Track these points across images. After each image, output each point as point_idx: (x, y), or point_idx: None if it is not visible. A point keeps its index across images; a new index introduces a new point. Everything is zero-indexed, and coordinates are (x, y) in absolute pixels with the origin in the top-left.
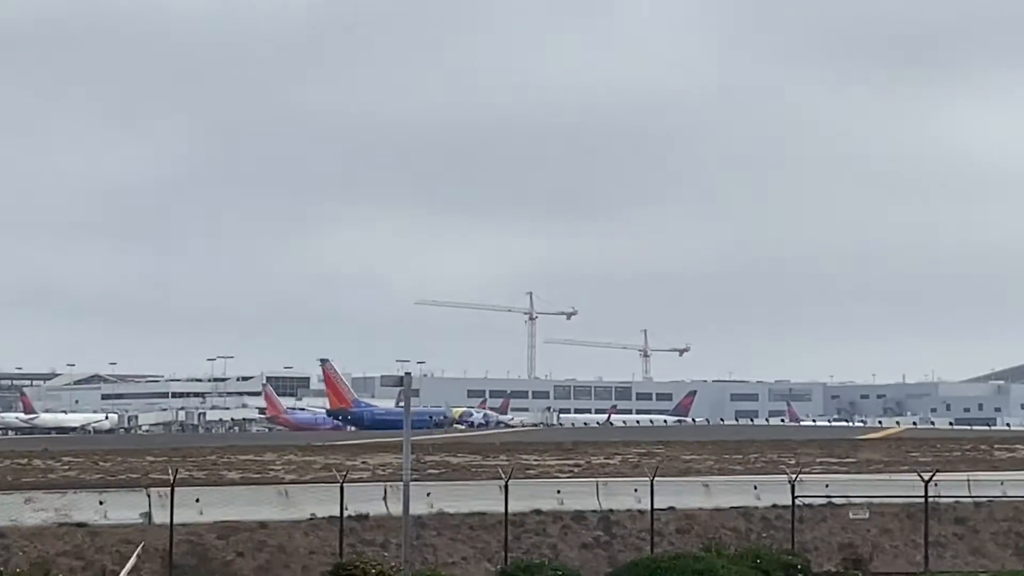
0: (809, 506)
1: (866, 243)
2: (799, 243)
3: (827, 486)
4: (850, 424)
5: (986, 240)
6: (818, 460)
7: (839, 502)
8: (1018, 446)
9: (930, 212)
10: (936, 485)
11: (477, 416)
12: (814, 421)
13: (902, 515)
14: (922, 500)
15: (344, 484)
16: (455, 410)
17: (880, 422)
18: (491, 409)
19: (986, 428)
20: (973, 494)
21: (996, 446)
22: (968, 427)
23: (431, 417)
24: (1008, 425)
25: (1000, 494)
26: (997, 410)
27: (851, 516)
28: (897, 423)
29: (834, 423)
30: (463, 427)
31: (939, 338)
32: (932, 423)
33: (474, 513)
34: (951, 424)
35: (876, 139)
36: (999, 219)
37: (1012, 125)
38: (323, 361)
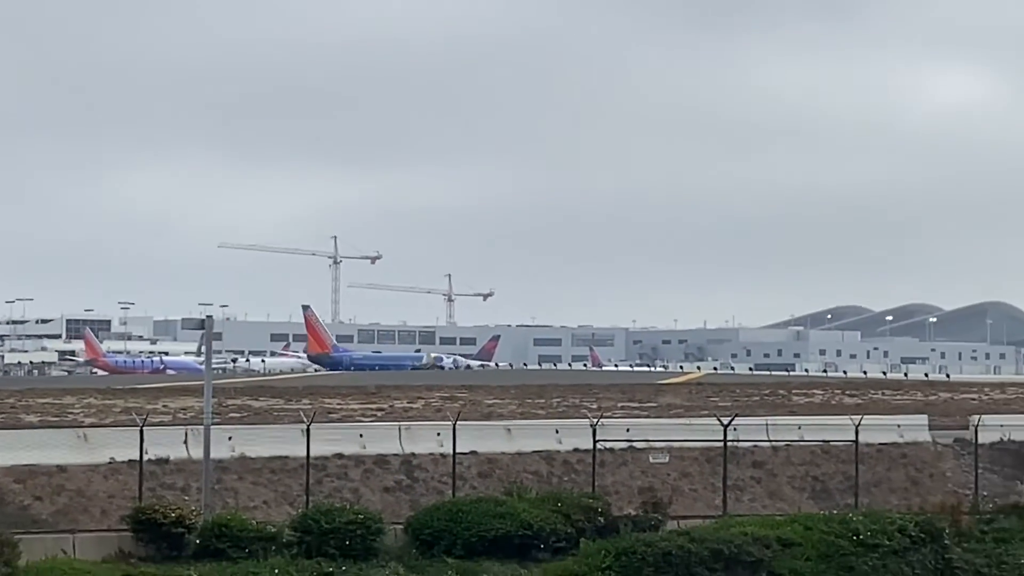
0: (610, 450)
1: (670, 189)
2: (603, 189)
3: (628, 430)
4: (652, 369)
5: (787, 188)
6: (620, 404)
7: (640, 446)
8: (815, 391)
9: (734, 160)
10: (735, 429)
11: (447, 361)
12: (616, 366)
13: (701, 459)
14: (721, 444)
15: (144, 428)
16: (428, 355)
17: (681, 367)
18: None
19: (785, 373)
20: (771, 438)
21: (794, 391)
22: (767, 372)
23: (411, 363)
24: (806, 370)
25: (797, 438)
26: (796, 356)
27: (651, 460)
28: (698, 368)
29: (636, 368)
30: (439, 368)
31: (740, 285)
32: (732, 368)
33: (276, 457)
34: (751, 369)
35: (687, 88)
36: (800, 167)
37: (815, 74)
38: (305, 307)
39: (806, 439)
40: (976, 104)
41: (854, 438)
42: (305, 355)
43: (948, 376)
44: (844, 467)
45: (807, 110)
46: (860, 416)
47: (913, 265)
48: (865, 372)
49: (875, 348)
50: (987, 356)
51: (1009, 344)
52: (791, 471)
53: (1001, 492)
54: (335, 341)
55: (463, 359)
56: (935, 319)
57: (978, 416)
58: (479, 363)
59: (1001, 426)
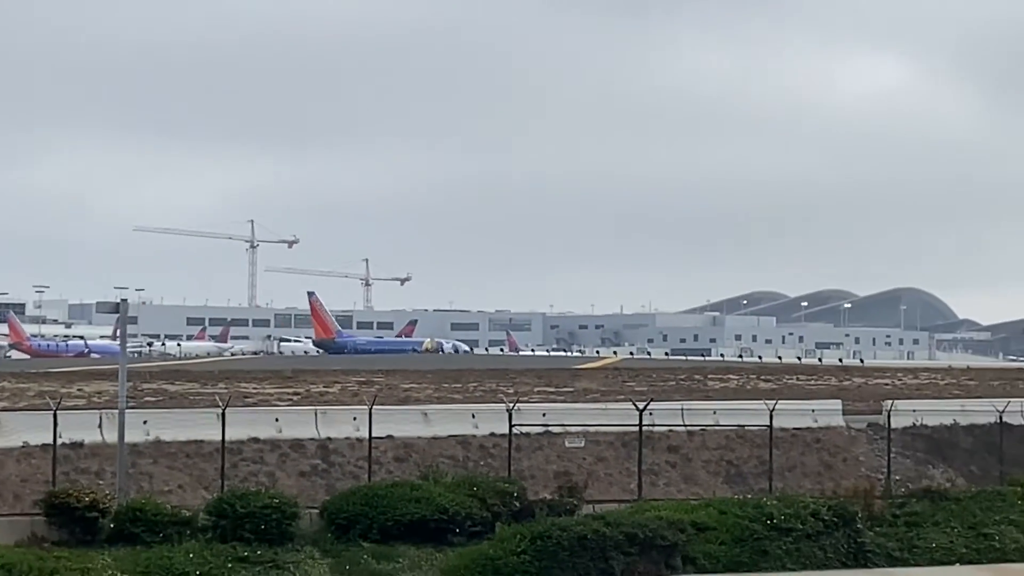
0: (526, 435)
1: (588, 175)
2: (521, 175)
3: (544, 415)
4: (569, 354)
5: (705, 175)
6: (536, 389)
7: (556, 431)
8: (731, 376)
9: (654, 146)
10: (651, 414)
11: (447, 346)
12: (533, 350)
13: (617, 444)
14: (637, 429)
15: (58, 411)
16: (426, 341)
17: (598, 352)
18: (212, 337)
19: (701, 358)
20: (686, 423)
21: (710, 376)
22: (683, 357)
23: (413, 348)
24: (722, 356)
25: (712, 423)
26: (712, 341)
27: (567, 444)
28: (614, 353)
29: (553, 352)
30: (436, 353)
31: (657, 270)
32: (649, 353)
33: (191, 441)
34: (667, 354)
35: (607, 74)
36: (719, 155)
37: (736, 63)
38: (310, 294)
39: (721, 424)
40: (892, 93)
41: (769, 423)
42: (310, 341)
43: (862, 361)
44: (759, 451)
45: (727, 99)
46: (775, 401)
47: (828, 251)
48: (780, 357)
49: (790, 333)
50: (901, 342)
51: (922, 330)
52: (706, 455)
53: (913, 476)
54: (340, 328)
55: (462, 344)
56: (850, 305)
57: (891, 401)
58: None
59: (914, 411)
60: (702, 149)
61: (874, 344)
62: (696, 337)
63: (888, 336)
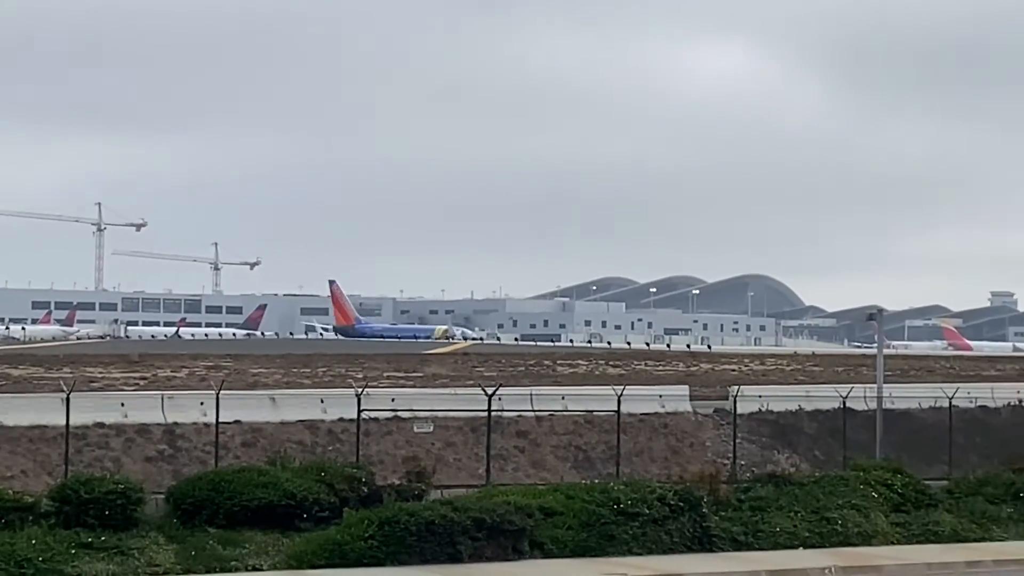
0: (375, 419)
1: (439, 160)
2: (372, 160)
3: (393, 400)
4: (418, 338)
5: (555, 161)
6: (386, 374)
7: (405, 416)
8: (580, 361)
9: (504, 133)
10: (500, 399)
11: (457, 333)
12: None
13: (466, 429)
14: (485, 414)
15: None
16: (438, 328)
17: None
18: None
19: (550, 344)
20: (535, 408)
21: (559, 361)
22: (533, 343)
23: (427, 336)
24: (571, 341)
25: (561, 408)
26: (562, 326)
27: (416, 430)
28: (464, 338)
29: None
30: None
31: (507, 255)
32: (499, 338)
33: (35, 426)
34: (517, 340)
35: (457, 61)
36: (569, 141)
37: (584, 50)
38: (331, 282)
39: (570, 409)
40: (741, 80)
41: (617, 408)
42: (331, 327)
43: (710, 347)
44: (606, 436)
45: (576, 85)
46: (623, 386)
47: (677, 237)
48: (629, 343)
49: (639, 319)
50: (748, 328)
51: (769, 316)
52: (554, 441)
53: (759, 461)
54: (358, 313)
55: (471, 332)
56: (698, 291)
57: (737, 387)
58: (245, 332)
59: (760, 396)
60: (555, 134)
61: (722, 330)
62: (546, 323)
63: (735, 322)
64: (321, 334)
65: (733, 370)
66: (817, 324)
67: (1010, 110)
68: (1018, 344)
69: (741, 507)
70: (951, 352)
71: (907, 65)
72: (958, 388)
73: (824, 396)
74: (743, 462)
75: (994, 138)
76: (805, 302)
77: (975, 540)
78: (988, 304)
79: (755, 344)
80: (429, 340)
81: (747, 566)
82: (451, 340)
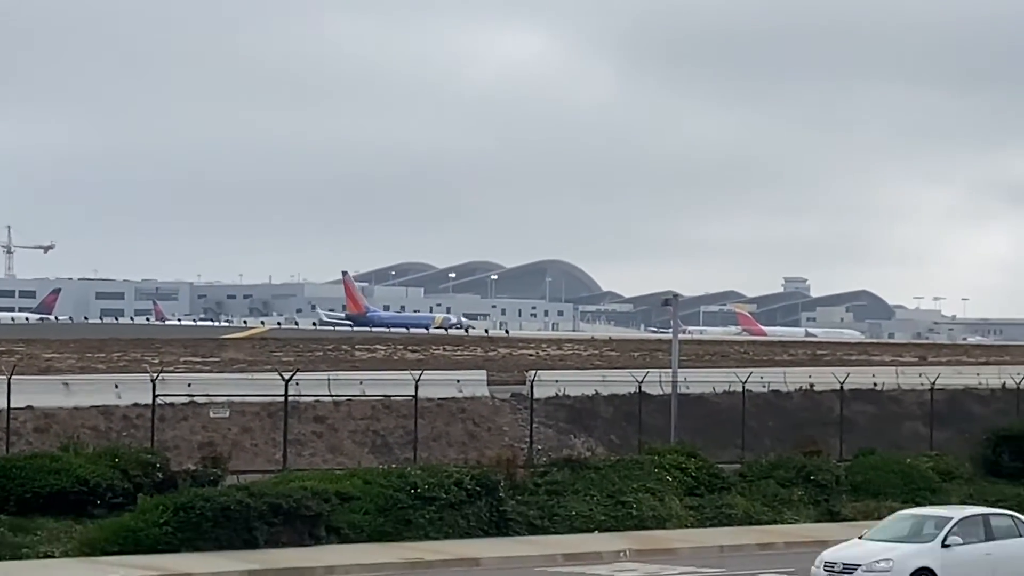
0: (171, 405)
1: (235, 144)
2: (166, 143)
3: (190, 385)
4: (216, 323)
5: (354, 144)
6: (182, 359)
7: (201, 401)
8: (378, 346)
9: (302, 116)
10: (297, 384)
11: (454, 321)
12: (180, 320)
13: (263, 414)
14: (282, 399)
15: None
16: (437, 317)
17: (245, 322)
18: None
19: (349, 329)
20: (333, 393)
21: (357, 346)
22: (332, 328)
23: (428, 324)
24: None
25: (359, 393)
26: None
27: (212, 415)
28: (262, 323)
29: (200, 322)
30: (444, 330)
31: (306, 240)
32: (297, 323)
33: None
34: (315, 324)
35: (251, 43)
36: (368, 124)
37: (381, 32)
38: (344, 273)
39: (368, 394)
40: (538, 65)
41: (414, 393)
42: (343, 314)
43: (507, 332)
44: (404, 421)
45: (374, 68)
46: (420, 371)
47: (476, 223)
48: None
49: (438, 304)
50: (546, 313)
51: (567, 302)
52: (352, 426)
53: (555, 446)
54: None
55: (465, 320)
56: (496, 276)
57: (535, 372)
58: (39, 317)
59: (557, 381)
60: (352, 118)
61: (520, 315)
62: (344, 308)
63: (534, 307)
64: (323, 319)
65: (531, 355)
66: (614, 309)
67: (804, 98)
68: (810, 329)
69: (538, 491)
70: (745, 337)
71: (704, 52)
72: (751, 373)
73: (620, 381)
74: (540, 446)
75: (788, 126)
76: (603, 288)
77: (767, 522)
78: (782, 290)
79: (553, 329)
80: (429, 328)
81: (543, 550)
82: (446, 329)
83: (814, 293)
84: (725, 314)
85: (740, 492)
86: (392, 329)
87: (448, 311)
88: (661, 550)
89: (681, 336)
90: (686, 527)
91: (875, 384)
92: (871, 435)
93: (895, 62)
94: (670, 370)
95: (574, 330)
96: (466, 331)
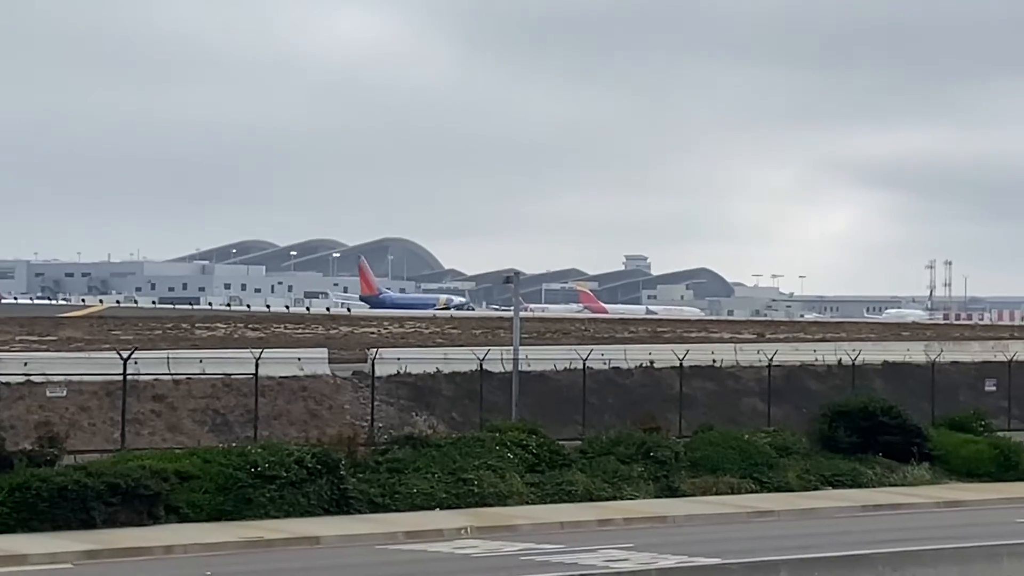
0: (7, 384)
1: (74, 119)
2: (3, 117)
3: (26, 364)
4: (54, 302)
5: (194, 122)
6: (18, 338)
7: (38, 380)
8: (219, 325)
9: (142, 92)
10: (136, 363)
11: (456, 300)
12: (16, 299)
13: (101, 393)
14: (121, 378)
15: None
16: (441, 298)
17: (84, 300)
18: None
19: (189, 307)
20: (172, 372)
21: (198, 325)
22: (172, 306)
23: (433, 304)
24: (211, 304)
25: (199, 371)
26: (201, 290)
27: (48, 394)
28: (100, 301)
29: (38, 301)
30: (448, 311)
31: (145, 218)
32: (136, 302)
33: None
34: (155, 303)
35: (93, 17)
36: (208, 102)
37: (225, 9)
38: (359, 257)
39: (208, 372)
40: (375, 43)
41: (255, 371)
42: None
43: (349, 310)
44: (245, 400)
45: (216, 46)
46: (261, 349)
47: (318, 201)
48: (269, 306)
49: (280, 282)
50: (388, 291)
51: (409, 279)
52: (192, 404)
53: (397, 423)
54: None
55: (465, 300)
56: (339, 254)
57: (376, 350)
58: None
59: (398, 359)
60: (192, 96)
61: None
62: (185, 286)
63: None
64: (340, 304)
65: (372, 333)
66: (456, 287)
67: (642, 76)
68: (651, 307)
69: (379, 469)
70: (587, 315)
71: (543, 31)
72: (592, 350)
73: (462, 359)
74: (381, 424)
75: (629, 104)
76: (445, 265)
77: (607, 499)
78: (623, 268)
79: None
80: (434, 308)
81: (384, 528)
82: (449, 309)
83: (655, 271)
84: (567, 292)
85: (581, 469)
86: (403, 310)
87: (290, 289)
88: (502, 527)
89: (523, 314)
90: (527, 504)
91: (714, 361)
92: (710, 411)
93: (732, 41)
94: (511, 348)
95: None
96: (471, 310)
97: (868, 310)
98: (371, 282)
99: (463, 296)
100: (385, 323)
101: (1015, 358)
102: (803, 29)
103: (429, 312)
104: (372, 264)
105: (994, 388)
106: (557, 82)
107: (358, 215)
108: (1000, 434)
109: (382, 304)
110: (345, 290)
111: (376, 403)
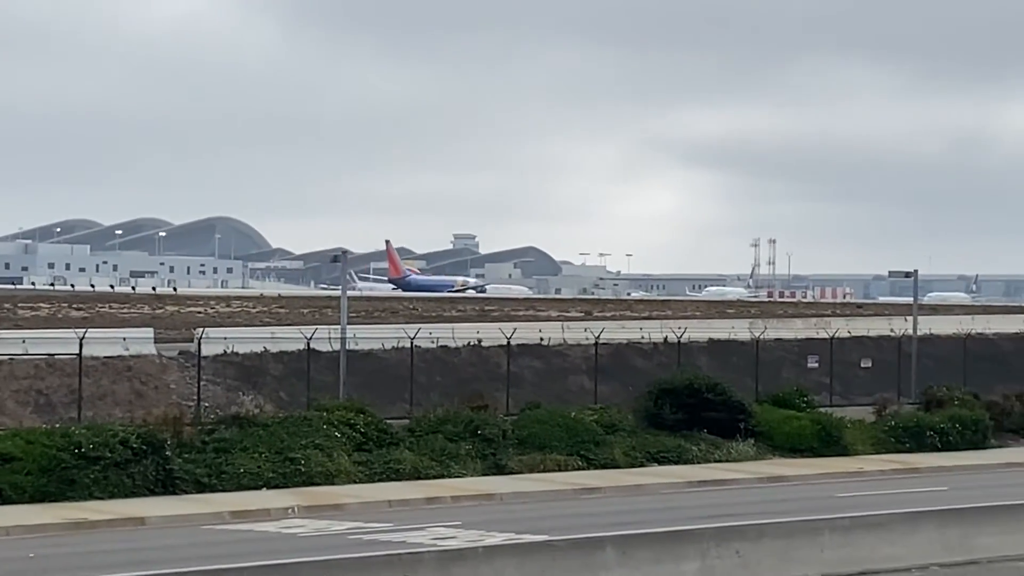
0: None
1: None
2: None
3: None
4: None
5: (11, 97)
6: None
7: None
8: (42, 304)
9: None
10: None
11: (472, 283)
12: None
13: None
14: None
15: None
16: (458, 280)
17: None
18: None
19: (11, 287)
20: None
21: (20, 305)
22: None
23: (451, 287)
24: (34, 284)
25: (22, 352)
26: (24, 269)
27: None
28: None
29: None
30: (462, 292)
31: None
32: None
33: None
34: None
35: None
36: (22, 76)
37: None
38: (387, 242)
39: (31, 353)
40: (201, 20)
41: (78, 351)
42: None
43: (175, 290)
44: (69, 380)
45: (41, 22)
46: (85, 329)
47: (143, 179)
48: (93, 286)
49: (104, 262)
50: (215, 270)
51: (237, 259)
52: (15, 385)
53: (224, 403)
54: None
55: (480, 283)
56: (164, 234)
57: (203, 329)
58: None
59: (225, 339)
60: (15, 71)
61: (188, 273)
62: (7, 265)
63: (203, 265)
64: (372, 287)
65: (199, 312)
66: (284, 266)
67: (470, 54)
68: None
69: (205, 449)
70: (415, 294)
71: (373, 7)
72: (420, 329)
73: (289, 338)
74: (208, 404)
75: (456, 82)
76: (273, 245)
77: (435, 477)
78: (451, 246)
79: (222, 287)
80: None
81: (210, 507)
82: (465, 290)
83: (483, 250)
84: None
85: (408, 447)
86: (425, 293)
87: (115, 268)
88: (330, 505)
89: (351, 293)
90: (355, 482)
91: (541, 339)
92: (537, 389)
93: (561, 19)
94: (339, 327)
95: (244, 287)
96: (479, 291)
97: (694, 288)
98: (398, 265)
99: (478, 279)
100: (212, 302)
101: (836, 335)
102: (633, 8)
103: (449, 293)
104: (199, 243)
105: (816, 365)
106: (385, 60)
107: (185, 194)
108: (822, 410)
109: (408, 286)
110: (172, 269)
111: (203, 383)
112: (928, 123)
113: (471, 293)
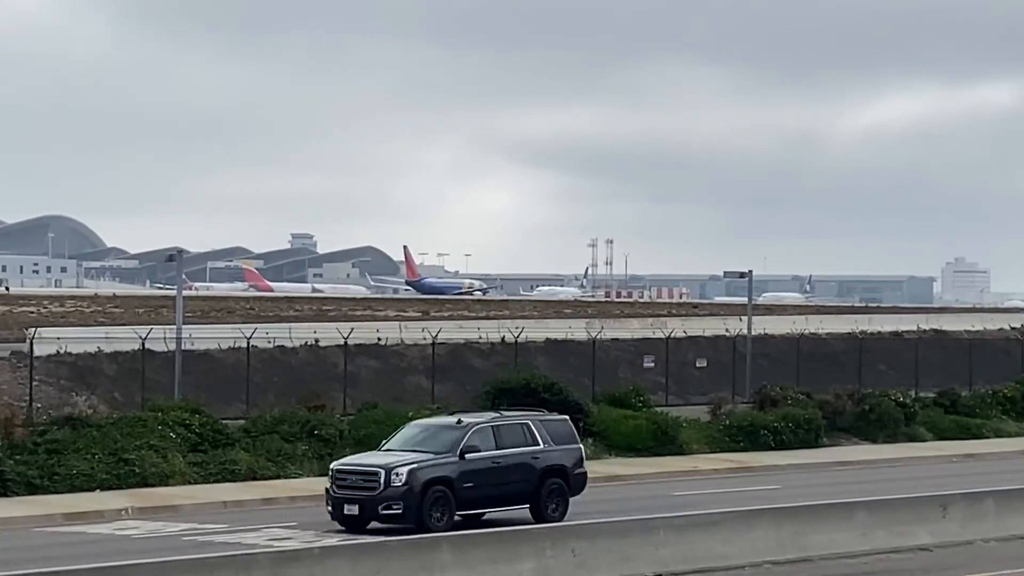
0: None
1: None
2: None
3: None
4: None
5: None
6: None
7: None
8: None
9: None
10: None
11: (478, 286)
12: None
13: None
14: None
15: None
16: (465, 283)
17: None
18: None
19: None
20: None
21: None
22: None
23: (459, 289)
24: None
25: None
26: None
27: None
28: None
29: None
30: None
31: None
32: None
33: None
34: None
35: None
36: None
37: None
38: (405, 247)
39: None
40: (30, 16)
41: None
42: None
43: (8, 289)
44: None
45: None
46: None
47: None
48: None
49: None
50: (49, 270)
51: (71, 258)
52: None
53: (57, 404)
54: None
55: (484, 284)
56: None
57: (35, 329)
58: None
59: (59, 339)
60: None
61: (22, 272)
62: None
63: (36, 264)
64: (396, 290)
65: (32, 312)
66: (120, 266)
67: (305, 51)
68: (317, 285)
69: (37, 450)
70: (252, 293)
71: (207, 4)
72: (257, 328)
73: (124, 338)
74: (40, 405)
75: (292, 80)
76: (108, 243)
77: (271, 477)
78: (289, 246)
79: (56, 286)
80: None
81: (42, 510)
82: (472, 293)
83: (321, 249)
84: (232, 270)
85: (244, 448)
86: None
87: None
88: (164, 507)
89: (187, 292)
90: (190, 483)
91: (379, 339)
92: (375, 389)
93: (397, 18)
94: (175, 326)
95: (78, 287)
96: (484, 293)
97: (531, 288)
98: (413, 268)
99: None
100: (45, 302)
101: (672, 335)
102: (469, 8)
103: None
104: (31, 243)
105: (652, 364)
106: (220, 56)
107: (16, 191)
108: (658, 409)
109: (423, 288)
110: (4, 269)
111: (35, 383)
112: (761, 124)
113: (478, 295)
